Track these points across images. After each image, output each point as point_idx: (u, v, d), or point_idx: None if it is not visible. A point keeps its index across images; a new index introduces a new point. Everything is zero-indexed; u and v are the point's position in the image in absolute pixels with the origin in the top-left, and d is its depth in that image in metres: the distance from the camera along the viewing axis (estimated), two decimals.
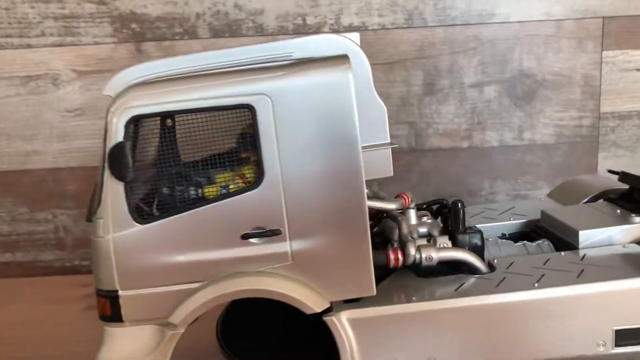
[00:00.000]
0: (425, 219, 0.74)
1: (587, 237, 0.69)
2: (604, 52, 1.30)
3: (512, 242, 0.78)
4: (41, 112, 1.33)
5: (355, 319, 0.59)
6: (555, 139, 1.34)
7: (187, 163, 0.65)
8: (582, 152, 1.34)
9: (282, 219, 0.59)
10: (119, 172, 0.63)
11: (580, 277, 0.60)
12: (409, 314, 0.59)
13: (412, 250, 0.63)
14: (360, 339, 0.59)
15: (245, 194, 0.60)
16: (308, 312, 0.59)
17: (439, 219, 0.78)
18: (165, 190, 0.62)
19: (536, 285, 0.59)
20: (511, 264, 0.66)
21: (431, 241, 0.68)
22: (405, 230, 0.67)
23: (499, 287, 0.61)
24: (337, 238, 0.59)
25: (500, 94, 1.32)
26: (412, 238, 0.66)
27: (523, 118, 1.33)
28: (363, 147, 0.62)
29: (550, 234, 0.76)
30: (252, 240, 0.60)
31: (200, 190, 0.61)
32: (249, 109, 0.60)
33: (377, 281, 0.61)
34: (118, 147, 0.61)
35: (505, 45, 1.30)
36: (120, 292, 0.62)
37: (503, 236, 0.83)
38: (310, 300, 0.59)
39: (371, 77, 0.70)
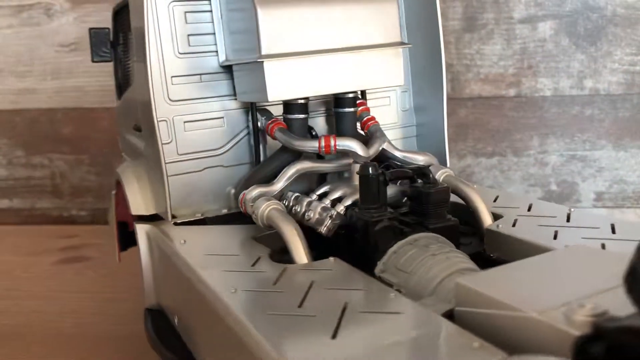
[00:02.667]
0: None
1: None
2: None
3: None
4: (35, 47, 1.21)
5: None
6: (624, 88, 1.09)
7: None
8: None
9: None
10: None
11: None
12: None
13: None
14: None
15: None
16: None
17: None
18: None
19: None
20: None
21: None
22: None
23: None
24: None
25: (558, 31, 1.09)
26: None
27: (585, 62, 1.09)
28: (366, 46, 0.60)
29: None
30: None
31: None
32: None
33: None
34: None
35: None
36: None
37: None
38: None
39: None
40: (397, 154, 0.69)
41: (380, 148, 0.68)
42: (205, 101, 0.70)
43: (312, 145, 0.65)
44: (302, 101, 0.68)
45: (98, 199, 1.26)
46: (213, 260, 0.56)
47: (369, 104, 0.75)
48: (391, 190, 0.62)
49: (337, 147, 0.64)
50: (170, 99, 0.69)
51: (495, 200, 0.68)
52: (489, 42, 1.11)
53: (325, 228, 0.58)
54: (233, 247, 0.59)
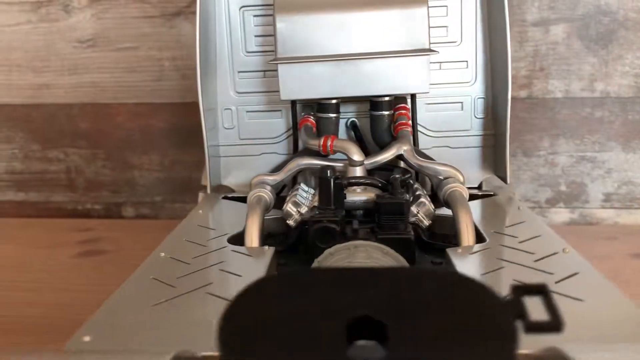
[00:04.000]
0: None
1: None
2: None
3: None
4: (52, 42, 1.23)
5: None
6: (634, 91, 1.11)
7: None
8: None
9: None
10: None
11: None
12: None
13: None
14: None
15: None
16: None
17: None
18: None
19: None
20: None
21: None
22: None
23: None
24: None
25: (570, 35, 1.10)
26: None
27: (596, 65, 1.11)
28: (394, 53, 0.62)
29: None
30: None
31: None
32: None
33: None
34: None
35: None
36: None
37: None
38: None
39: None
40: (414, 162, 0.70)
41: (396, 154, 0.69)
42: (266, 95, 0.80)
43: (314, 144, 0.69)
44: (334, 101, 0.71)
45: (113, 193, 1.28)
46: (193, 229, 0.62)
47: (438, 107, 0.77)
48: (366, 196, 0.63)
49: (334, 148, 0.67)
50: (236, 91, 0.79)
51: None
52: None
53: (291, 220, 0.62)
54: (226, 222, 0.67)
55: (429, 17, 0.67)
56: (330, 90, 0.68)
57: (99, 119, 1.25)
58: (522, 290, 0.30)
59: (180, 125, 1.23)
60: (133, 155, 1.27)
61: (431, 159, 0.74)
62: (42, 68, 1.24)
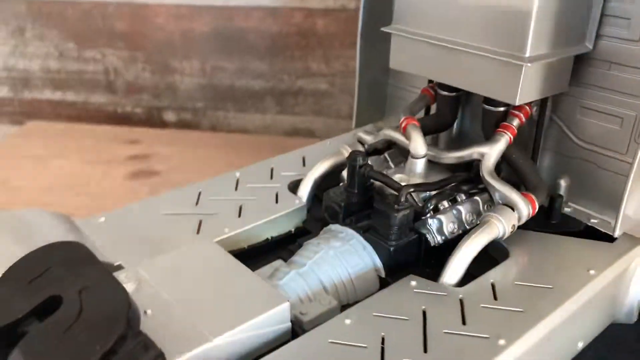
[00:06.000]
0: None
1: None
2: None
3: None
4: None
5: None
6: None
7: None
8: None
9: None
10: None
11: None
12: None
13: None
14: None
15: None
16: None
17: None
18: None
19: None
20: None
21: None
22: None
23: None
24: None
25: None
26: None
27: None
28: (540, 56, 0.54)
29: None
30: None
31: None
32: None
33: None
34: None
35: None
36: None
37: None
38: None
39: None
40: (483, 174, 0.60)
41: (466, 159, 0.63)
42: None
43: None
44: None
45: (154, 97, 1.25)
46: None
47: (594, 115, 0.62)
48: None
49: (405, 131, 0.64)
50: None
51: None
52: None
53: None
54: None
55: (535, 19, 0.54)
56: (434, 73, 0.62)
57: (136, 20, 1.18)
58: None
59: (221, 29, 1.17)
60: (174, 59, 1.21)
61: (526, 173, 0.62)
62: None
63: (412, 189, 0.57)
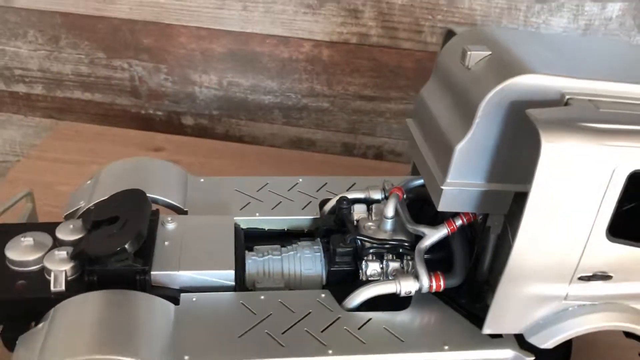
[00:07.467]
0: None
1: None
2: None
3: None
4: None
5: None
6: None
7: None
8: None
9: None
10: None
11: None
12: None
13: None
14: None
15: None
16: None
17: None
18: None
19: None
20: None
21: None
22: None
23: None
24: None
25: (625, 13, 1.14)
26: None
27: None
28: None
29: None
30: None
31: None
32: None
33: None
34: None
35: None
36: None
37: None
38: None
39: None
40: (417, 247, 0.72)
41: (416, 232, 0.74)
42: None
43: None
44: None
45: (174, 102, 1.40)
46: None
47: None
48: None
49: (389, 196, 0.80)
50: None
51: None
52: (557, 14, 1.16)
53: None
54: None
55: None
56: None
57: (161, 38, 1.32)
58: None
59: (237, 51, 1.31)
60: (194, 73, 1.36)
61: (455, 255, 0.72)
62: None
63: (357, 236, 0.76)
